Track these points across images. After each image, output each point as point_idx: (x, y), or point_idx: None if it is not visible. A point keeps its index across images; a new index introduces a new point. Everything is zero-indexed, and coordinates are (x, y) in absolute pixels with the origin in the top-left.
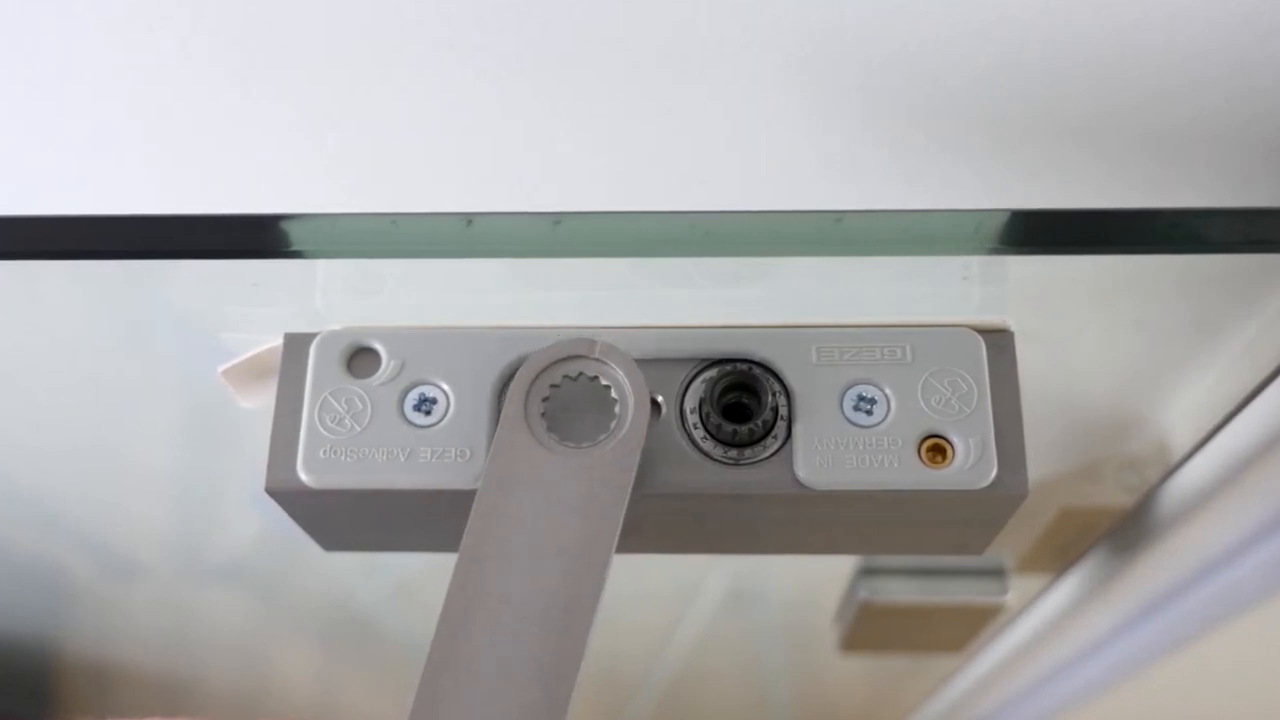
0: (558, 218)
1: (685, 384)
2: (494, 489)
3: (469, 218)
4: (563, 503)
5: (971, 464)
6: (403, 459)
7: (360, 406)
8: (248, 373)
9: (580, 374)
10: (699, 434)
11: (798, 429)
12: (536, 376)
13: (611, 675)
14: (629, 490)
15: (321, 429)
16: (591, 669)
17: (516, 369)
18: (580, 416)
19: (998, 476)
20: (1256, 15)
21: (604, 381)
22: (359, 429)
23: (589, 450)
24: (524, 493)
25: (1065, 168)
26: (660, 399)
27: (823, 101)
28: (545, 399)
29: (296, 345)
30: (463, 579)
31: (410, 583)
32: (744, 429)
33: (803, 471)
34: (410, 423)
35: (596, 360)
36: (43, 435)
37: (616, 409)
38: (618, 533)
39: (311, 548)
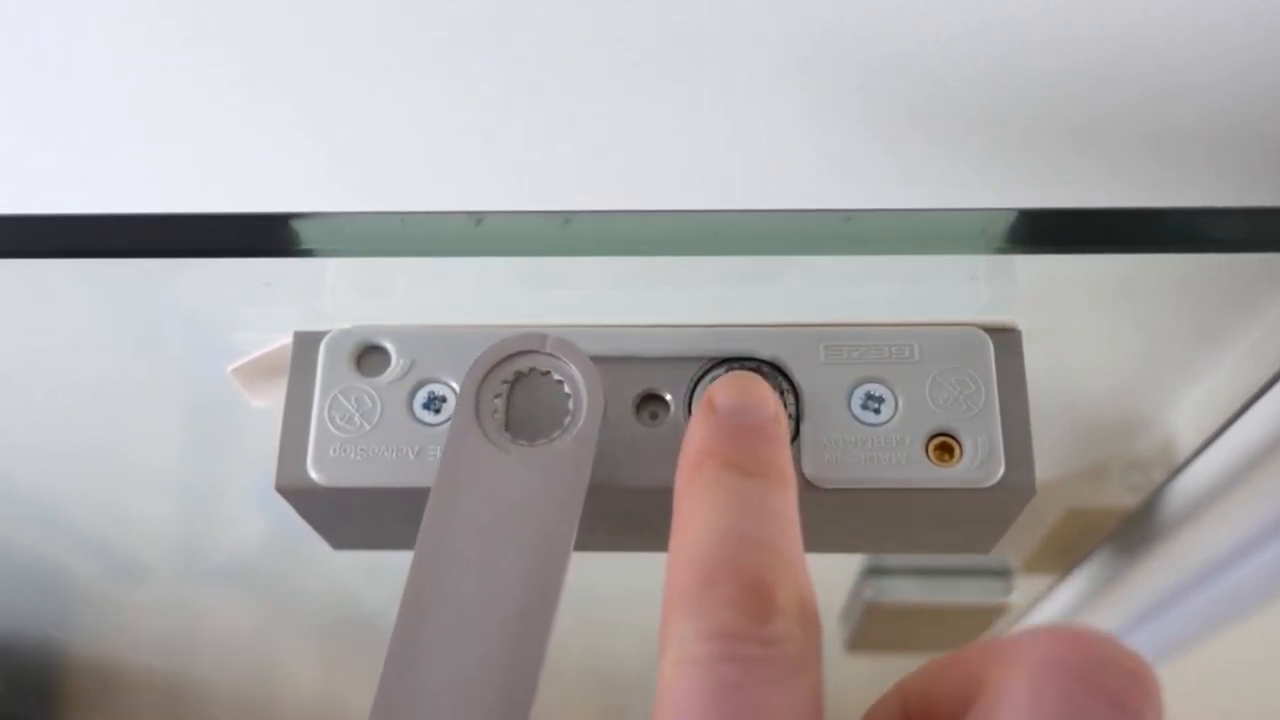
0: (567, 217)
1: (694, 382)
2: (446, 490)
3: (478, 217)
4: (516, 502)
5: (979, 462)
6: (412, 457)
7: (370, 405)
8: (257, 371)
9: (532, 369)
10: None
11: (806, 427)
12: (487, 374)
13: (613, 676)
14: (585, 487)
15: (331, 427)
16: (593, 670)
17: None
18: (545, 416)
19: (1005, 475)
20: (1257, 16)
21: (557, 377)
22: (368, 427)
23: (542, 448)
24: (476, 493)
25: (1066, 168)
26: (669, 397)
27: (823, 101)
28: (498, 396)
29: (306, 344)
30: (418, 583)
31: None
32: None
33: (810, 469)
34: (419, 421)
35: (549, 355)
36: (49, 436)
37: (570, 404)
38: (574, 531)
39: (317, 549)
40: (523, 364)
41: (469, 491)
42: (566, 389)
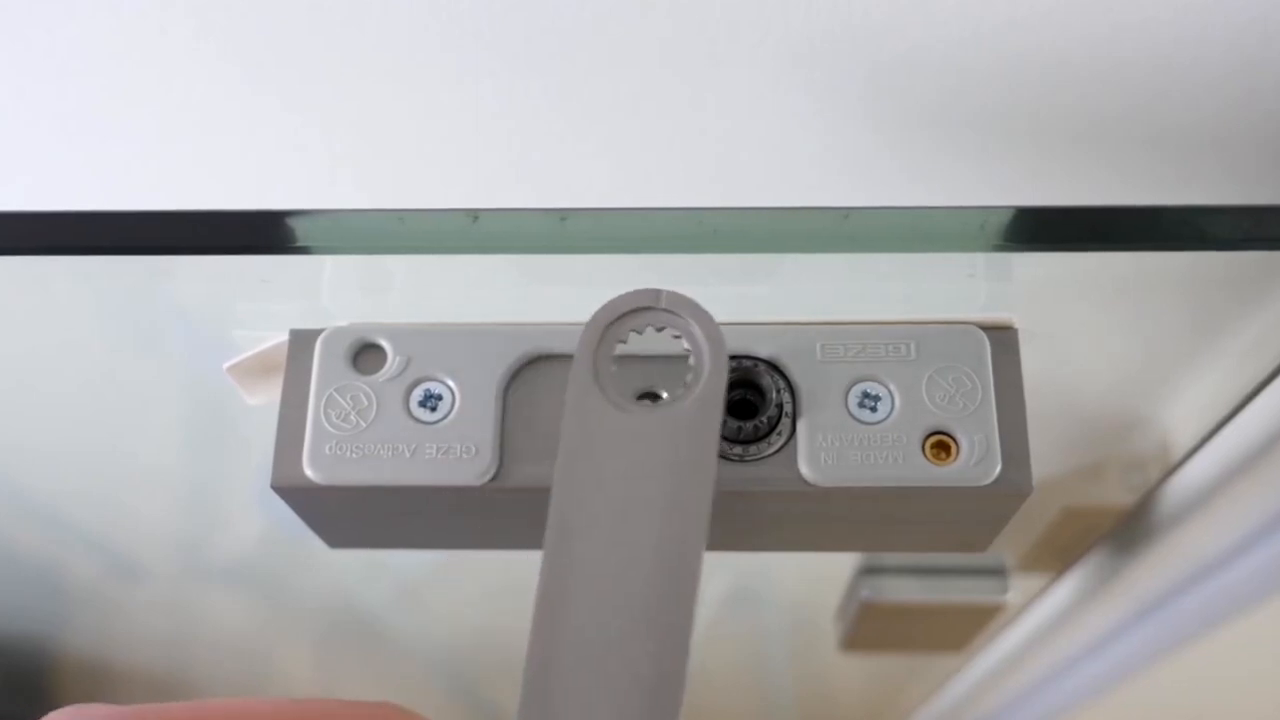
0: (564, 214)
1: None
2: (572, 459)
3: (475, 214)
4: (648, 465)
5: (976, 461)
6: (408, 455)
7: (366, 403)
8: (253, 369)
9: (648, 327)
10: None
11: (802, 426)
12: (602, 334)
13: None
14: (715, 446)
15: (327, 425)
16: None
17: (522, 365)
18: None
19: (1002, 473)
20: (1262, 17)
21: (674, 333)
22: (364, 425)
23: (667, 407)
24: (605, 459)
25: (1071, 168)
26: (665, 395)
27: (829, 101)
28: (615, 357)
29: (302, 341)
30: (555, 556)
31: (414, 583)
32: (749, 425)
33: (807, 468)
34: (416, 419)
35: (665, 311)
36: (44, 433)
37: (691, 361)
38: (710, 491)
39: (314, 549)
40: (637, 322)
41: (595, 456)
42: (686, 345)
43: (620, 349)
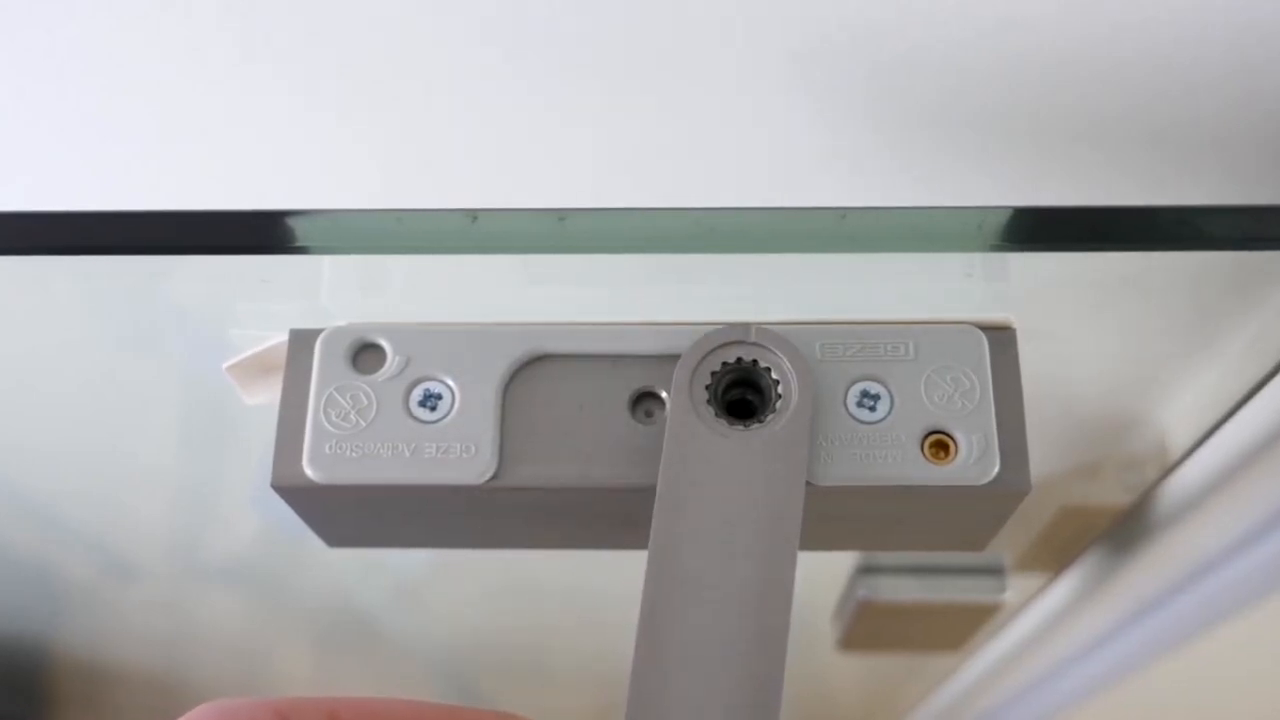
0: (563, 214)
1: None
2: (673, 480)
3: (474, 214)
4: (744, 484)
5: (974, 460)
6: (408, 454)
7: (365, 402)
8: (253, 369)
9: (739, 359)
10: None
11: None
12: (696, 366)
13: (609, 675)
14: (804, 468)
15: (327, 424)
16: (592, 670)
17: (522, 364)
18: (757, 402)
19: (1000, 472)
20: (1262, 17)
21: (764, 364)
22: (364, 424)
23: (759, 431)
24: (704, 480)
25: (1071, 168)
26: (664, 395)
27: (829, 101)
28: (708, 386)
29: (302, 341)
30: (657, 573)
31: (413, 583)
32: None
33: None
34: (415, 418)
35: (754, 345)
36: (42, 433)
37: (780, 389)
38: (802, 507)
39: (313, 549)
40: (729, 354)
41: (695, 479)
42: (775, 375)
43: None
